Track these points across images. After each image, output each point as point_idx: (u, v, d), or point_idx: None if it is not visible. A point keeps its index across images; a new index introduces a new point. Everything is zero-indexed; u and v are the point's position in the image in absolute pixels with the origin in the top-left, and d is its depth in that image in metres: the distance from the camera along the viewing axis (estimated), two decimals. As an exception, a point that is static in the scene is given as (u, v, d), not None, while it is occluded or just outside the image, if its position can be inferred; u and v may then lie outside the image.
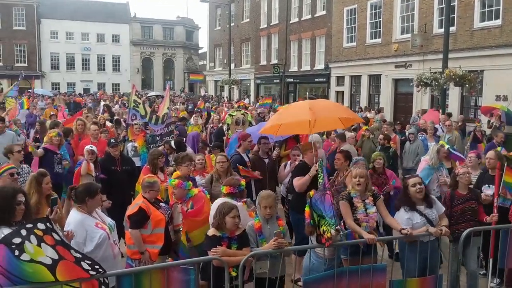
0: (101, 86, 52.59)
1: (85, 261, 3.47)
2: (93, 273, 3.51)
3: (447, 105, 18.23)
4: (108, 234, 4.62)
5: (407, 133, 12.02)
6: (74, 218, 4.58)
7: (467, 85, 16.61)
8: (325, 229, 4.62)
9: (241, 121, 11.57)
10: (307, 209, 4.84)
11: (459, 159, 8.35)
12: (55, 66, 51.96)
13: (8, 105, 14.78)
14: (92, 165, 7.58)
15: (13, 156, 7.17)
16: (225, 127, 11.48)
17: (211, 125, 13.74)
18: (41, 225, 3.31)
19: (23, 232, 3.27)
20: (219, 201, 5.42)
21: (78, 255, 3.42)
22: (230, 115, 11.77)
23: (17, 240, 3.23)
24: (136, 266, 5.28)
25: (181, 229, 5.77)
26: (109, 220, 4.88)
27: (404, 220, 5.37)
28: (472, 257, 5.90)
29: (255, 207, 5.36)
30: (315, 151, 6.57)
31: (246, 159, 7.89)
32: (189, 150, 9.28)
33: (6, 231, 3.56)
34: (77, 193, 4.68)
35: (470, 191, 6.06)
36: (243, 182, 5.62)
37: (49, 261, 3.29)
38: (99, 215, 4.82)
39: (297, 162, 7.91)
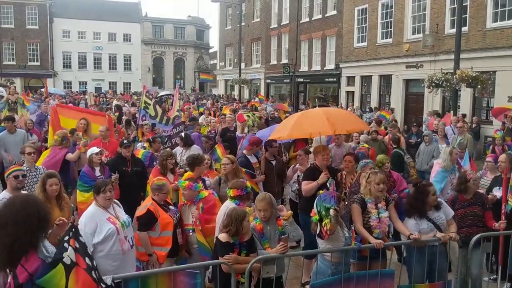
0: (112, 85, 52.95)
1: (96, 271, 3.52)
2: (102, 285, 3.53)
3: (459, 106, 18.08)
4: (118, 230, 4.73)
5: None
6: (88, 210, 4.89)
7: (479, 86, 16.46)
8: (326, 222, 4.67)
9: (255, 122, 11.69)
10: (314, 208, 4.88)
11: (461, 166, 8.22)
12: (67, 65, 52.32)
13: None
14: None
15: (25, 157, 7.24)
16: (246, 130, 11.42)
17: (210, 129, 13.42)
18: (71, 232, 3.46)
19: (66, 245, 3.44)
20: (227, 204, 5.42)
21: (90, 264, 3.46)
22: (248, 116, 11.78)
23: (64, 254, 3.39)
24: (144, 268, 5.32)
25: (190, 230, 5.75)
26: (125, 217, 4.99)
27: (412, 225, 5.34)
28: (476, 263, 5.83)
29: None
30: (325, 155, 6.54)
31: (254, 160, 7.88)
32: (195, 147, 9.27)
33: (47, 243, 3.61)
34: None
35: (474, 196, 5.98)
36: (248, 184, 5.58)
37: (68, 261, 3.38)
38: (115, 211, 4.95)
39: (298, 165, 7.92)
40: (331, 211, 4.63)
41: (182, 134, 9.54)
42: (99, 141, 9.09)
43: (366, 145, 10.19)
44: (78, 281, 3.41)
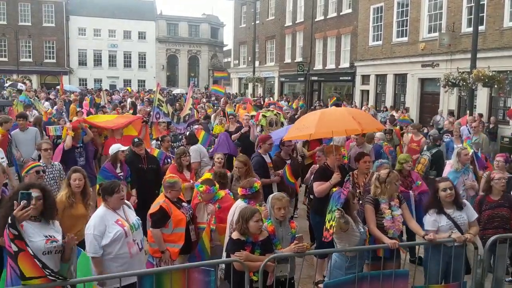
0: (127, 82, 53.37)
1: (40, 260, 3.59)
2: (47, 271, 3.58)
3: (475, 106, 17.87)
4: (126, 232, 4.70)
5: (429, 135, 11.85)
6: (97, 212, 4.84)
7: (496, 86, 16.25)
8: (331, 223, 4.69)
9: (274, 122, 11.59)
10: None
11: (482, 165, 8.11)
12: (82, 63, 52.88)
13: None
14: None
15: (42, 153, 7.32)
16: (258, 128, 11.43)
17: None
18: (9, 219, 3.55)
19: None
20: (238, 203, 5.43)
21: (32, 253, 3.54)
22: (263, 116, 11.72)
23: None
24: (157, 265, 5.36)
25: (204, 227, 5.77)
26: (134, 219, 4.95)
27: (430, 221, 5.28)
28: (499, 264, 5.76)
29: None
30: (338, 155, 6.51)
31: (268, 160, 7.86)
32: (199, 146, 9.27)
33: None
34: (100, 190, 4.94)
35: (503, 197, 5.88)
36: (257, 184, 5.55)
37: (12, 251, 3.52)
38: (125, 213, 4.91)
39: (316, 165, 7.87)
40: (336, 213, 4.63)
41: (187, 132, 9.58)
42: (114, 139, 9.16)
43: (386, 143, 10.20)
44: (27, 265, 3.50)
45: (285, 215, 4.91)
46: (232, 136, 10.72)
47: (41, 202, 3.96)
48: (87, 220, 5.45)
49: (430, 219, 5.31)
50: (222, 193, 5.98)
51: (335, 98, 26.21)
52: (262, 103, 23.81)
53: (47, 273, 3.57)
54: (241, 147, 9.32)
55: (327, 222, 4.80)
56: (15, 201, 3.69)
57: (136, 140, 8.04)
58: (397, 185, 5.44)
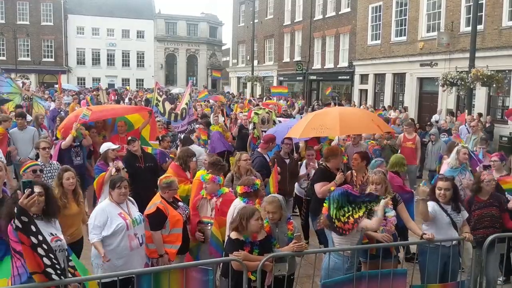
0: (125, 81, 53.32)
1: (43, 245, 3.52)
2: (46, 261, 3.51)
3: (474, 105, 17.89)
4: (128, 225, 4.83)
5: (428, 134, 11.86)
6: (101, 203, 5.06)
7: (494, 85, 16.27)
8: (350, 216, 4.66)
9: (266, 120, 11.59)
10: (325, 205, 4.86)
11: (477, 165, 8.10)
12: (81, 62, 52.83)
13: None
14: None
15: (40, 152, 7.30)
16: (251, 126, 11.45)
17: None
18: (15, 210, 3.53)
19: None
20: (236, 203, 5.42)
21: (36, 241, 3.48)
22: (256, 113, 11.72)
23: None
24: (154, 265, 5.35)
25: (208, 223, 5.71)
26: (137, 214, 5.07)
27: (430, 223, 5.27)
28: (491, 264, 5.76)
29: None
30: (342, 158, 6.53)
31: (268, 159, 7.86)
32: (195, 146, 9.25)
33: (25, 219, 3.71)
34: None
35: (491, 197, 5.88)
36: (258, 181, 5.56)
37: (18, 246, 3.56)
38: (128, 207, 5.04)
39: (312, 164, 7.87)
40: (382, 202, 4.65)
41: (182, 135, 9.56)
42: (117, 136, 9.12)
43: (373, 142, 10.18)
44: (28, 257, 3.48)
45: (274, 218, 4.89)
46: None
47: (43, 199, 3.98)
48: (82, 217, 5.49)
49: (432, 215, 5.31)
50: (226, 189, 5.99)
51: (330, 89, 26.37)
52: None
53: (47, 265, 3.53)
54: (241, 146, 9.31)
55: (341, 216, 4.69)
56: (18, 191, 3.68)
57: (129, 138, 8.01)
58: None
